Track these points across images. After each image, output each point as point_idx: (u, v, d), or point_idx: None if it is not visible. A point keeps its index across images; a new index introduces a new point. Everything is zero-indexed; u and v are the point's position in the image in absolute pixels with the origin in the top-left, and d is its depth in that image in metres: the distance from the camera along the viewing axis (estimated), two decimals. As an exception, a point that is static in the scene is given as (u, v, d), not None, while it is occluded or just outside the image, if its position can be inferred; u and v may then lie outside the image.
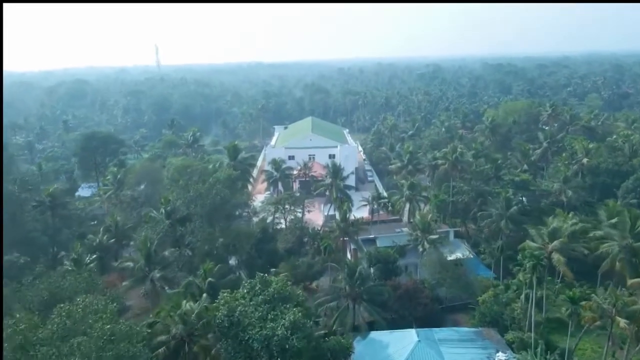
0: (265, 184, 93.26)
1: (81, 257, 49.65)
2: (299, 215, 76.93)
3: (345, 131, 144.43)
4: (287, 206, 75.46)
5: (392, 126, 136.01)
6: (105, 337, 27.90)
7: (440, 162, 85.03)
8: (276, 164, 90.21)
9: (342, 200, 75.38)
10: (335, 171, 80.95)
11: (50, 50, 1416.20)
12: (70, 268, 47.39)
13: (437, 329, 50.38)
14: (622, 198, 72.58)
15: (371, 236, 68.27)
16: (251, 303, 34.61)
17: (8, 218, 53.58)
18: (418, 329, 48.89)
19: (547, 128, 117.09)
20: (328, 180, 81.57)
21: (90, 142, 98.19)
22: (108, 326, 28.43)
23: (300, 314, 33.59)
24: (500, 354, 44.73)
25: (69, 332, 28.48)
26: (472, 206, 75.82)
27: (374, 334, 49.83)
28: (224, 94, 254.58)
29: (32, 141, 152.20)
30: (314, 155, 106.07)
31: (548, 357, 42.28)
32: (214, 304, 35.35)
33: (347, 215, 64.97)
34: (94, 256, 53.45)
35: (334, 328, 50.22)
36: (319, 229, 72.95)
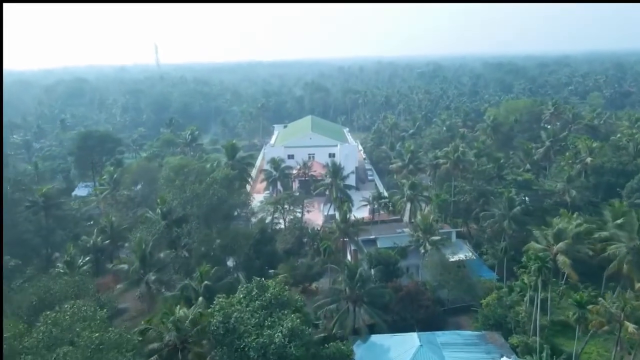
0: (264, 184, 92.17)
1: (74, 259, 48.35)
2: (299, 215, 75.84)
3: (346, 130, 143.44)
4: (286, 206, 74.39)
5: (393, 125, 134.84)
6: (93, 346, 26.64)
7: (441, 161, 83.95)
8: (275, 163, 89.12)
9: (342, 200, 74.28)
10: (335, 170, 79.86)
11: (50, 48, 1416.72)
12: (62, 270, 46.11)
13: (439, 333, 49.33)
14: (627, 198, 71.38)
15: (372, 237, 67.06)
16: (247, 309, 33.29)
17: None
18: (420, 333, 47.97)
19: (549, 127, 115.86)
20: (328, 180, 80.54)
21: (86, 141, 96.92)
22: (96, 334, 27.16)
23: (298, 320, 32.28)
24: (504, 358, 43.62)
25: (55, 341, 27.21)
26: (474, 206, 74.71)
27: (374, 338, 48.84)
28: (223, 92, 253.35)
29: (30, 140, 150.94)
30: (314, 154, 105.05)
31: (554, 362, 41.14)
32: (209, 310, 34.03)
33: (347, 215, 63.81)
34: (87, 258, 52.08)
35: (333, 331, 49.50)
36: (319, 229, 71.81)
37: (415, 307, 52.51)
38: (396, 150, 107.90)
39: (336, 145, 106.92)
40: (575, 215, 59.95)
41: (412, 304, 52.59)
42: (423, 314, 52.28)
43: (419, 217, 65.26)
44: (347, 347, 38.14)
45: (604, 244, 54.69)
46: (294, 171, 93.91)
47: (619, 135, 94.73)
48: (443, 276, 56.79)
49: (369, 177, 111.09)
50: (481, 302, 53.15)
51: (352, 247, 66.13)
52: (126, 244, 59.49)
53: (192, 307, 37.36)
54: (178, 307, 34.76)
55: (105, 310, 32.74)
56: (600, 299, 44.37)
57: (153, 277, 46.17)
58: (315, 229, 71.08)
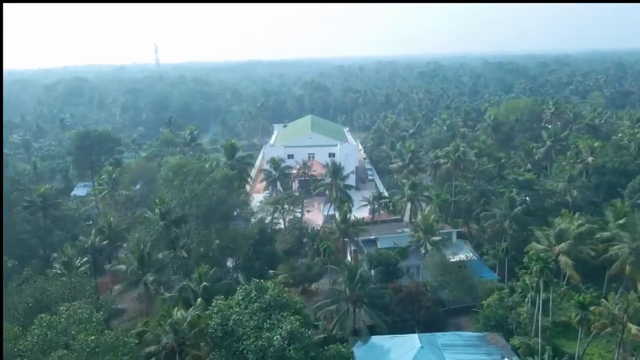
0: (264, 184, 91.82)
1: (71, 260, 47.83)
2: (298, 215, 75.48)
3: (346, 129, 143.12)
4: (286, 206, 74.07)
5: (393, 124, 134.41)
6: (88, 350, 26.15)
7: (442, 161, 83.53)
8: (275, 163, 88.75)
9: (342, 200, 73.93)
10: (335, 170, 79.48)
11: (50, 48, 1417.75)
12: (59, 271, 45.62)
13: (439, 334, 48.96)
14: (628, 198, 70.94)
15: (372, 237, 66.64)
16: (246, 311, 32.81)
17: None
18: (420, 334, 47.70)
19: (550, 126, 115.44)
20: (328, 180, 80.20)
21: (85, 141, 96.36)
22: (92, 337, 26.65)
23: (297, 322, 31.78)
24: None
25: (50, 344, 26.71)
26: (475, 206, 74.31)
27: (374, 339, 48.51)
28: (223, 92, 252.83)
29: (29, 140, 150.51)
30: (314, 154, 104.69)
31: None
32: (207, 312, 33.54)
33: (347, 215, 63.40)
34: (85, 259, 51.59)
35: (333, 332, 49.29)
36: (319, 229, 71.45)
37: (416, 308, 52.16)
38: (396, 149, 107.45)
39: (336, 145, 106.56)
40: (576, 216, 59.56)
41: (413, 305, 52.25)
42: (423, 315, 51.93)
43: (419, 217, 64.85)
44: (347, 350, 37.67)
45: (606, 245, 54.26)
46: (294, 171, 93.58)
47: (620, 134, 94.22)
48: (444, 277, 56.42)
49: (369, 177, 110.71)
50: (482, 303, 52.72)
51: (352, 248, 65.74)
52: (124, 245, 59.00)
53: (191, 309, 36.94)
54: (176, 309, 34.25)
55: (101, 312, 32.15)
56: (602, 300, 43.90)
57: (151, 278, 45.68)
58: (315, 229, 70.76)
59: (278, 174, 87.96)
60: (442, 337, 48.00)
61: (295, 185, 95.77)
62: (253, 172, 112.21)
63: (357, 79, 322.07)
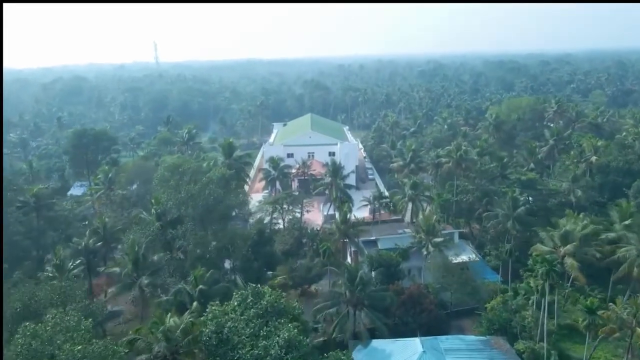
0: (263, 183, 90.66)
1: (64, 263, 46.57)
2: (298, 215, 74.31)
3: (346, 128, 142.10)
4: (285, 206, 72.91)
5: (393, 123, 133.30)
6: (75, 360, 24.87)
7: (443, 160, 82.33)
8: (274, 162, 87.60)
9: (342, 200, 72.81)
10: (335, 170, 78.36)
11: (50, 47, 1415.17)
12: (51, 274, 44.38)
13: (442, 338, 47.85)
14: (633, 198, 69.67)
15: (372, 238, 65.43)
16: (242, 317, 31.53)
17: None
18: (422, 338, 46.66)
19: (552, 125, 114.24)
20: (328, 179, 79.11)
21: (81, 140, 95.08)
22: (79, 347, 25.36)
23: (296, 330, 30.46)
24: (510, 365, 42.05)
25: (35, 354, 25.43)
26: (477, 206, 73.31)
27: (375, 343, 47.45)
28: (222, 90, 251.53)
29: (27, 138, 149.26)
30: (314, 153, 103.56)
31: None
32: (202, 318, 32.26)
33: (348, 216, 62.24)
34: (78, 261, 50.31)
35: (333, 336, 48.27)
36: (318, 229, 70.35)
37: (418, 310, 51.08)
38: (397, 148, 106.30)
39: (336, 144, 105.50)
40: (581, 216, 58.39)
41: (414, 308, 51.19)
42: (425, 318, 50.84)
43: (420, 217, 63.72)
44: (347, 357, 36.45)
45: (613, 247, 53.03)
46: (293, 170, 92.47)
47: (624, 133, 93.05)
48: (446, 279, 55.31)
49: (370, 176, 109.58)
50: (486, 306, 51.57)
51: (353, 249, 64.58)
52: (119, 246, 57.75)
53: (186, 313, 35.75)
54: (169, 315, 32.93)
55: (90, 320, 30.77)
56: (610, 304, 42.65)
57: (146, 281, 44.50)
58: (315, 229, 69.71)
59: (277, 173, 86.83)
60: (444, 341, 46.87)
61: (294, 184, 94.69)
62: (252, 172, 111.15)
63: (357, 77, 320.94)
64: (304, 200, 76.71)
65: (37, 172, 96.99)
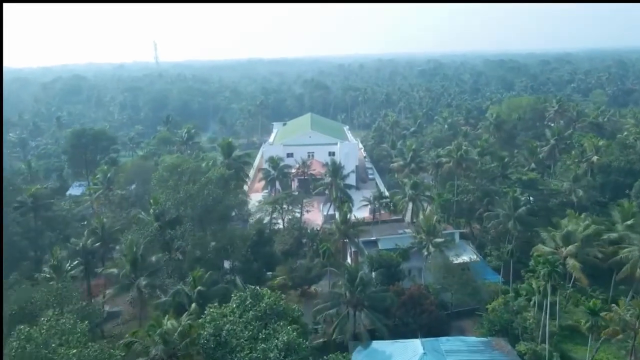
0: (262, 183, 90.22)
1: (61, 264, 46.11)
2: (298, 215, 73.89)
3: (346, 128, 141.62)
4: (285, 206, 72.47)
5: (394, 123, 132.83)
6: (70, 364, 24.41)
7: (444, 160, 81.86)
8: (274, 162, 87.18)
9: (342, 200, 72.38)
10: (335, 169, 77.94)
11: (49, 46, 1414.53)
12: (49, 275, 43.93)
13: (443, 339, 47.51)
14: (635, 198, 69.35)
15: (372, 238, 65.00)
16: (241, 320, 31.07)
17: None
18: (423, 339, 46.35)
19: (553, 125, 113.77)
20: (327, 179, 78.69)
21: (80, 139, 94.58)
22: (74, 351, 24.93)
23: (295, 333, 29.99)
24: (512, 367, 41.65)
25: (29, 358, 24.95)
26: (478, 206, 72.88)
27: (375, 344, 47.06)
28: (222, 90, 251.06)
29: (26, 138, 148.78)
30: (313, 152, 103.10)
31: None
32: (200, 320, 31.79)
33: (348, 216, 61.82)
34: (76, 262, 49.86)
35: (333, 337, 47.85)
36: (318, 229, 69.95)
37: (418, 311, 50.69)
38: (397, 148, 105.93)
39: (336, 144, 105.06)
40: (583, 216, 58.01)
41: (415, 309, 50.80)
42: (426, 319, 50.45)
43: (421, 217, 63.30)
44: (347, 359, 35.99)
45: (615, 247, 52.61)
46: (293, 170, 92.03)
47: (625, 133, 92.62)
48: (446, 279, 54.86)
49: (370, 176, 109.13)
50: (487, 307, 51.14)
51: (353, 249, 64.17)
52: (117, 247, 57.31)
53: (184, 315, 35.32)
54: (166, 317, 32.46)
55: (86, 323, 30.28)
56: (613, 305, 42.21)
57: (144, 282, 44.03)
58: (315, 229, 69.31)
59: (277, 173, 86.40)
60: (445, 343, 46.51)
61: (294, 184, 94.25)
62: (252, 171, 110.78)
63: (357, 77, 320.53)
64: (304, 200, 76.29)
65: (36, 172, 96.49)
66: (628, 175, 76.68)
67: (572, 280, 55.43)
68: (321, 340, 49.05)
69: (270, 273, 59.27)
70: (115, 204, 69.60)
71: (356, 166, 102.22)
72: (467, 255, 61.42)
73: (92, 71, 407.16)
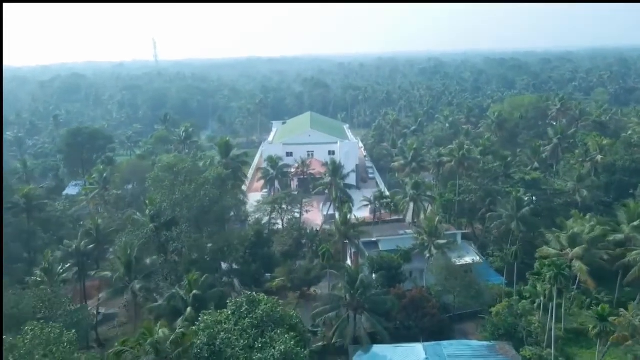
0: (261, 183, 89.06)
1: (53, 267, 44.87)
2: (297, 215, 72.76)
3: (346, 127, 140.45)
4: (284, 206, 71.30)
5: (394, 121, 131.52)
6: (55, 376, 23.21)
7: (445, 159, 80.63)
8: (273, 161, 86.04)
9: (343, 201, 71.27)
10: (335, 169, 76.85)
11: (48, 45, 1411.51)
12: (40, 279, 42.67)
13: (446, 343, 46.42)
14: (640, 197, 68.14)
15: (373, 239, 63.80)
16: (236, 327, 29.79)
17: None
18: (425, 344, 45.41)
19: (555, 124, 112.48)
20: (327, 179, 77.60)
21: (76, 138, 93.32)
22: (59, 362, 23.72)
23: (293, 341, 28.71)
24: (517, 372, 40.48)
25: (12, 370, 23.80)
26: (480, 206, 71.74)
27: (376, 348, 46.09)
28: (221, 88, 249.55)
29: (23, 137, 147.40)
30: (313, 151, 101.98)
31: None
32: (194, 328, 30.52)
33: (348, 216, 60.63)
34: (68, 264, 48.59)
35: (333, 340, 47.00)
36: (318, 230, 68.82)
37: (420, 314, 49.65)
38: (398, 147, 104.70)
39: (336, 143, 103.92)
40: (588, 217, 56.83)
41: (417, 312, 49.76)
42: (428, 322, 49.40)
43: (423, 217, 62.14)
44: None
45: (623, 250, 51.39)
46: (293, 169, 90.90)
47: (630, 132, 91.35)
48: (449, 281, 53.66)
49: (370, 176, 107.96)
50: (490, 311, 49.93)
51: (353, 250, 62.98)
52: (111, 249, 56.05)
53: (179, 320, 34.17)
54: (158, 325, 31.15)
55: (73, 332, 28.95)
56: (622, 310, 40.95)
57: (138, 285, 42.83)
58: (315, 229, 68.21)
59: (276, 172, 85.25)
60: (448, 347, 45.39)
61: (294, 184, 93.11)
62: (251, 171, 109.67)
63: (357, 75, 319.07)
64: (304, 200, 75.25)
65: (32, 172, 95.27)
66: (633, 174, 75.53)
67: (576, 282, 54.25)
68: (320, 344, 48.13)
69: (269, 275, 58.23)
70: (111, 204, 68.46)
71: (356, 165, 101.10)
72: (469, 257, 60.23)
73: (91, 70, 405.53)
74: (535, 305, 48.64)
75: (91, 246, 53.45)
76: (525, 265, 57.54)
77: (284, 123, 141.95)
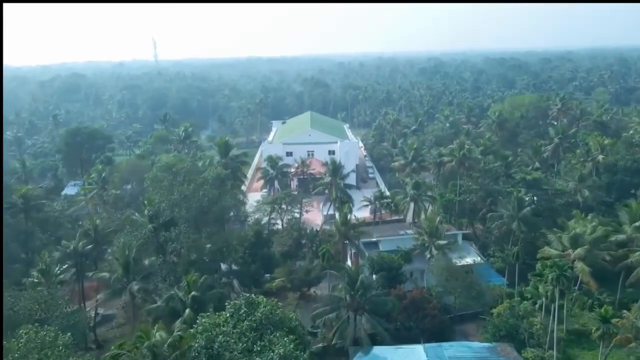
0: (261, 182, 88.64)
1: (50, 267, 44.47)
2: (297, 215, 72.36)
3: (346, 126, 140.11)
4: (284, 206, 70.90)
5: (394, 121, 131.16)
6: (50, 381, 22.81)
7: (446, 159, 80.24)
8: (273, 161, 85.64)
9: (343, 201, 70.87)
10: (335, 169, 76.45)
11: (48, 45, 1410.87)
12: (37, 280, 42.28)
13: (446, 344, 46.08)
14: (642, 198, 67.76)
15: (373, 239, 63.43)
16: (235, 330, 29.36)
17: None
18: (426, 345, 45.10)
19: (556, 123, 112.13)
20: (327, 179, 77.17)
21: (75, 138, 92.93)
22: (54, 366, 23.32)
23: (292, 345, 28.29)
24: (518, 374, 40.12)
25: (5, 374, 23.42)
26: (481, 206, 71.44)
27: (377, 349, 45.72)
28: (221, 88, 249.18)
29: (22, 137, 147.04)
30: (313, 151, 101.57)
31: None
32: (191, 331, 30.12)
33: (348, 217, 60.24)
34: (66, 265, 48.20)
35: (333, 342, 46.65)
36: (318, 230, 68.42)
37: (420, 315, 49.28)
38: (398, 147, 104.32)
39: (336, 142, 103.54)
40: (590, 217, 56.48)
41: (417, 313, 49.40)
42: (429, 323, 49.04)
43: (423, 218, 61.76)
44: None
45: (625, 250, 51.01)
46: (292, 169, 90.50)
47: (631, 131, 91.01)
48: (450, 282, 53.32)
49: (370, 175, 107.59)
50: (492, 312, 49.57)
51: (353, 250, 62.62)
52: (109, 250, 55.65)
53: (177, 322, 33.76)
54: (155, 327, 30.77)
55: (68, 335, 28.54)
56: (625, 312, 40.58)
57: (137, 286, 42.45)
58: (314, 229, 67.83)
59: (276, 172, 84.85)
60: (449, 349, 45.06)
61: (293, 184, 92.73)
62: (250, 171, 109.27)
63: (357, 75, 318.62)
64: (303, 200, 74.89)
65: (30, 171, 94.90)
66: (635, 174, 75.24)
67: (578, 283, 53.90)
68: (320, 345, 47.73)
69: (269, 275, 57.85)
70: (110, 204, 68.05)
71: (356, 165, 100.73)
72: (470, 257, 59.87)
73: (91, 69, 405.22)
74: (537, 306, 48.33)
75: (89, 247, 53.09)
76: (527, 265, 57.22)
77: (283, 123, 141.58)
